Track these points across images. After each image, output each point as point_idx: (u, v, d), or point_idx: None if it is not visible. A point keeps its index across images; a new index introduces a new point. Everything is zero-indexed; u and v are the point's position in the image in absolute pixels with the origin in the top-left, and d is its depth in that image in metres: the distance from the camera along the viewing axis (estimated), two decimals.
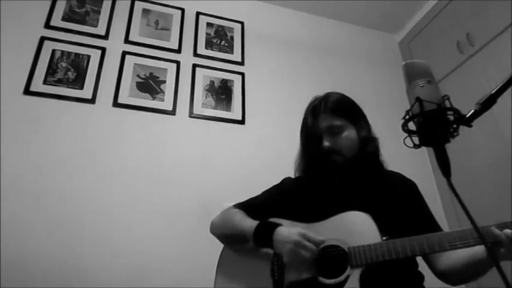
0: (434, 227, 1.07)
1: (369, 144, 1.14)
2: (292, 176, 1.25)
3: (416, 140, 0.64)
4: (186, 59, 2.24)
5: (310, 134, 1.14)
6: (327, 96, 1.19)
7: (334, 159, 1.09)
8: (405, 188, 1.14)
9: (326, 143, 1.09)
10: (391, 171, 1.19)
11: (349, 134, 1.11)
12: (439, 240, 0.85)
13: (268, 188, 1.24)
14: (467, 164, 2.10)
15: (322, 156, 1.10)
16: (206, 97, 2.18)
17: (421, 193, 1.15)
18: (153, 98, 2.06)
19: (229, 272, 1.09)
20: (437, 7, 2.48)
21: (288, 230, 0.97)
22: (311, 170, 1.17)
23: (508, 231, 0.80)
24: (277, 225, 1.01)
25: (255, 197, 1.22)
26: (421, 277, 1.03)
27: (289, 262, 0.95)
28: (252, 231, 1.02)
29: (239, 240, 1.08)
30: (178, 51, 2.25)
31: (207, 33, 2.39)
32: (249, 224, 1.05)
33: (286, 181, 1.23)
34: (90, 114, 1.90)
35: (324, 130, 1.11)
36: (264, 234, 1.01)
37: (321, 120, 1.12)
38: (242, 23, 2.52)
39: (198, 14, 2.43)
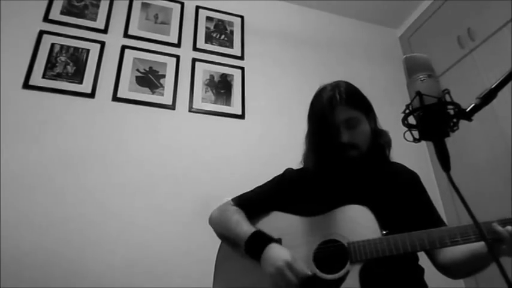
0: (436, 218, 1.06)
1: (380, 137, 1.13)
2: (294, 168, 1.21)
3: (416, 134, 0.64)
4: (186, 53, 2.24)
5: (326, 126, 1.07)
6: (338, 85, 1.11)
7: (351, 154, 1.05)
8: (408, 180, 1.13)
9: (344, 138, 1.04)
10: (394, 163, 1.17)
11: (365, 127, 1.08)
12: (439, 236, 0.85)
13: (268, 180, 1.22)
14: (467, 159, 2.10)
15: (338, 150, 1.06)
16: (206, 91, 2.17)
17: (423, 184, 1.14)
18: (153, 93, 2.05)
19: (227, 271, 1.08)
20: (438, 2, 2.47)
21: (277, 253, 0.94)
22: (322, 163, 1.12)
23: (510, 228, 0.79)
24: (270, 241, 0.99)
25: (255, 189, 1.20)
26: (421, 270, 1.03)
27: (272, 285, 0.93)
28: (244, 240, 1.01)
29: (233, 243, 1.07)
30: (178, 45, 2.24)
31: (206, 27, 2.38)
32: (244, 230, 1.03)
33: (287, 173, 1.21)
34: (90, 109, 1.89)
35: (341, 123, 1.05)
36: (255, 248, 0.99)
37: (338, 113, 1.05)
38: (242, 17, 2.51)
39: (197, 8, 2.41)
